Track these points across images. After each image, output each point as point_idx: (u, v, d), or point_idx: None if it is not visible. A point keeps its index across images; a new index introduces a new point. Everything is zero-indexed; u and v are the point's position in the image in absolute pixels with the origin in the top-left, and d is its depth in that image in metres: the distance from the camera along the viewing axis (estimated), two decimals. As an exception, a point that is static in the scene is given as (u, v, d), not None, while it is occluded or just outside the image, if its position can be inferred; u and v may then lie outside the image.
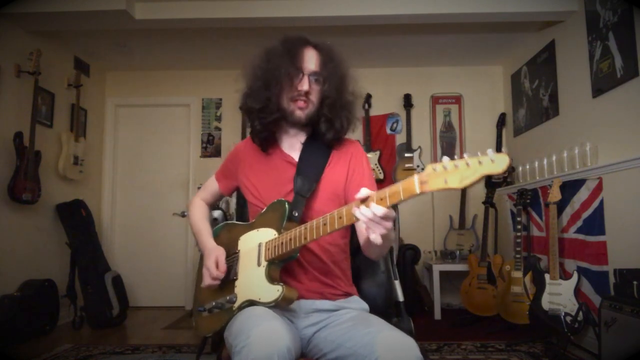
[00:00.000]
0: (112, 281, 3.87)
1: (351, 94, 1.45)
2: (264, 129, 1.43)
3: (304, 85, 1.35)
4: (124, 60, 4.51)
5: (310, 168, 1.40)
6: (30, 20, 3.43)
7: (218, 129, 4.78)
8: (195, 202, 1.63)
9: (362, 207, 1.04)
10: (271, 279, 1.25)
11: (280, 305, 1.22)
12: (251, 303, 1.25)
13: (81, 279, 3.79)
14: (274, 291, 1.21)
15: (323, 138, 1.42)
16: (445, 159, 0.90)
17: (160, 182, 4.77)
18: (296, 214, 1.32)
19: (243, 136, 4.58)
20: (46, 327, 3.42)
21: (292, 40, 1.40)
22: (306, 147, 1.44)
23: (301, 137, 1.46)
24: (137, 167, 4.80)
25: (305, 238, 1.18)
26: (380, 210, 1.01)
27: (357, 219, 1.06)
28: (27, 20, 3.41)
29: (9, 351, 3.00)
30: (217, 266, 1.35)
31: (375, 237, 1.05)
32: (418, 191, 0.93)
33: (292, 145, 1.46)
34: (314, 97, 1.38)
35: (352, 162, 1.43)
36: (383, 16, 3.40)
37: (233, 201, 3.98)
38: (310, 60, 1.38)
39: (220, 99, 4.80)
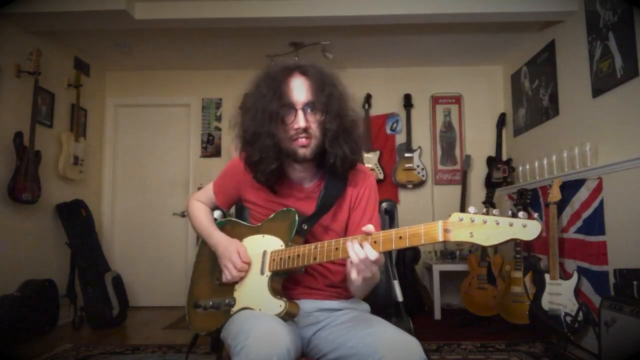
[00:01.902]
0: (112, 281, 3.87)
1: (352, 114, 1.32)
2: (268, 178, 1.32)
3: (300, 122, 1.22)
4: (124, 60, 4.51)
5: (333, 191, 1.33)
6: (30, 20, 3.43)
7: (218, 129, 4.78)
8: (196, 204, 1.54)
9: (356, 246, 1.05)
10: (274, 291, 1.22)
11: (286, 318, 1.20)
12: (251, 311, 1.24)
13: (81, 279, 3.79)
14: (277, 306, 1.19)
15: (337, 171, 1.31)
16: (472, 209, 0.90)
17: (160, 182, 4.77)
18: (305, 227, 1.28)
19: (243, 136, 4.57)
20: (46, 327, 3.42)
21: (274, 75, 1.27)
22: (328, 184, 1.34)
23: (310, 170, 1.36)
24: (137, 167, 4.80)
25: (315, 258, 1.16)
26: (373, 255, 1.03)
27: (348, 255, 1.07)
28: (27, 20, 3.41)
29: (9, 351, 3.00)
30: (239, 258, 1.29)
31: (357, 278, 1.08)
32: (441, 239, 0.92)
33: (301, 178, 1.37)
34: (314, 130, 1.25)
35: (359, 196, 1.37)
36: (383, 16, 3.40)
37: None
38: (300, 90, 1.24)
39: (220, 99, 4.80)
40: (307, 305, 1.31)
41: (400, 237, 1.00)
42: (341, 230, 1.37)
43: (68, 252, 3.82)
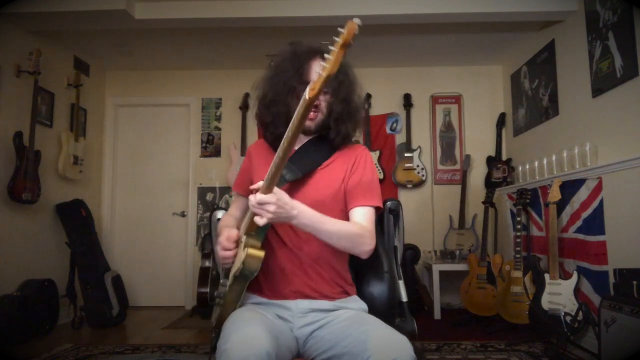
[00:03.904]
0: (112, 281, 3.87)
1: (357, 100, 1.46)
2: (276, 139, 1.44)
3: None
4: (124, 60, 4.51)
5: (303, 160, 1.42)
6: (30, 20, 3.43)
7: (218, 129, 4.78)
8: (223, 218, 1.63)
9: (251, 196, 1.17)
10: (245, 246, 1.27)
11: (251, 266, 1.24)
12: (235, 278, 1.28)
13: (81, 279, 3.79)
14: (242, 256, 1.24)
15: (331, 142, 1.45)
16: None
17: (160, 182, 4.77)
18: None
19: (243, 136, 4.59)
20: (46, 327, 3.42)
21: (299, 54, 1.41)
22: (308, 145, 1.46)
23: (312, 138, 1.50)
24: (137, 167, 4.80)
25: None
26: (258, 197, 1.14)
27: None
28: (27, 20, 3.41)
29: (9, 351, 3.00)
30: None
31: (259, 220, 1.17)
32: (308, 97, 1.01)
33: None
34: (323, 107, 1.41)
35: (355, 165, 1.45)
36: (383, 16, 3.40)
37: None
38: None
39: (220, 99, 4.80)
40: (303, 305, 1.33)
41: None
42: (329, 198, 1.39)
43: (68, 252, 3.82)
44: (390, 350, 1.08)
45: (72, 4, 3.24)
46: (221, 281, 1.36)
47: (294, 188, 1.38)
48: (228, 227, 1.42)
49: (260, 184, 1.16)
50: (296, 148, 1.46)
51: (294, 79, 1.38)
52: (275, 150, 1.44)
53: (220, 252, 1.35)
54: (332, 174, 1.43)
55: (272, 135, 1.46)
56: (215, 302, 1.42)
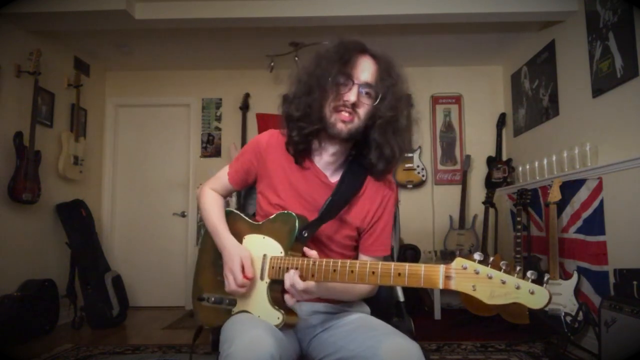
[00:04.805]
0: (112, 281, 3.87)
1: (407, 118, 1.29)
2: (302, 141, 1.27)
3: (351, 96, 1.20)
4: (124, 60, 4.51)
5: (342, 195, 1.29)
6: (30, 20, 3.43)
7: (218, 129, 4.78)
8: (209, 195, 1.45)
9: (291, 271, 1.12)
10: (273, 300, 1.21)
11: (281, 327, 1.19)
12: (245, 312, 1.24)
13: (81, 279, 3.79)
14: (275, 317, 1.18)
15: (372, 169, 1.29)
16: (478, 256, 0.86)
17: (160, 182, 4.77)
18: (305, 234, 1.23)
19: (243, 136, 4.58)
20: (46, 327, 3.42)
21: (346, 45, 1.25)
22: (347, 172, 1.32)
23: (339, 157, 1.32)
24: (137, 167, 4.80)
25: (313, 276, 1.14)
26: (300, 285, 1.10)
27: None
28: (27, 20, 3.41)
29: (9, 351, 3.00)
30: (243, 271, 1.23)
31: (289, 301, 1.15)
32: (441, 286, 0.90)
33: (327, 164, 1.33)
34: (362, 112, 1.22)
35: (379, 210, 1.34)
36: (383, 16, 3.40)
37: (233, 200, 3.99)
38: (365, 69, 1.23)
39: (220, 99, 4.80)
40: (306, 307, 1.31)
41: (399, 274, 1.00)
42: (343, 237, 1.35)
43: (68, 252, 3.82)
44: (403, 357, 1.07)
45: (72, 4, 3.25)
46: (228, 300, 1.28)
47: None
48: (244, 250, 1.28)
49: (314, 254, 1.14)
50: (327, 174, 1.32)
51: (336, 68, 1.21)
52: (298, 162, 1.32)
53: (234, 288, 1.23)
54: (358, 212, 1.32)
55: (298, 135, 1.26)
56: (207, 300, 1.33)
